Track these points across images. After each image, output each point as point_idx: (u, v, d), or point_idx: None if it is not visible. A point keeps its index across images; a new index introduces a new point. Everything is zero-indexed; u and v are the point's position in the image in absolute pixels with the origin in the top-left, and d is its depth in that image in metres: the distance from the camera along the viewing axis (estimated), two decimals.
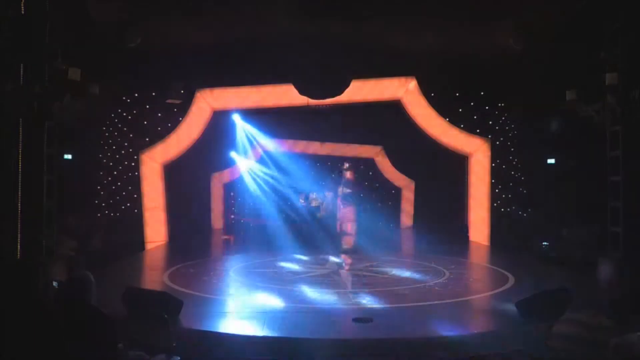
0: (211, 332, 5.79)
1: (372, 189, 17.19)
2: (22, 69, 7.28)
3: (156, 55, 11.61)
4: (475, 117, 14.65)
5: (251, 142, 15.78)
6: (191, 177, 14.77)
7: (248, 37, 11.27)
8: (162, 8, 10.01)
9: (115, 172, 14.37)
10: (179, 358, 4.42)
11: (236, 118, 15.22)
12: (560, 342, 4.50)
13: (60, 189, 7.92)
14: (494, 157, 14.25)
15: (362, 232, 12.14)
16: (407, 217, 17.25)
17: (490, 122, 14.74)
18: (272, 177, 15.87)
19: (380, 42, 11.56)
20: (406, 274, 9.45)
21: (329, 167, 16.60)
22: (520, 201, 14.81)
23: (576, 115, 8.97)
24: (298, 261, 10.78)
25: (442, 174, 15.05)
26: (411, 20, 10.68)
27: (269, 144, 16.13)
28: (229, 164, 16.05)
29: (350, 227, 11.45)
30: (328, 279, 9.01)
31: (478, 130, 14.44)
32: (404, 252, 13.40)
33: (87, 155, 13.25)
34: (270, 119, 15.13)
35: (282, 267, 10.08)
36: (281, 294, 7.80)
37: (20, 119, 7.36)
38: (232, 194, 17.09)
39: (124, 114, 14.33)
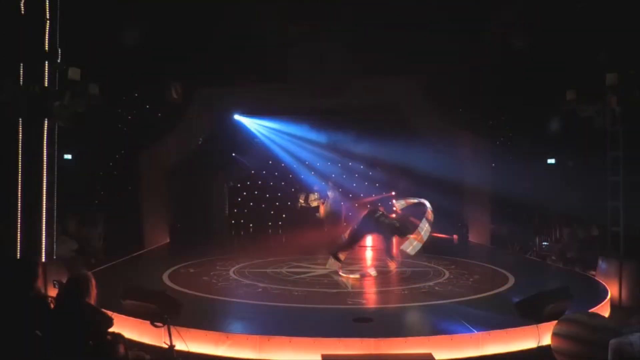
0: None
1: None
2: (22, 69, 7.30)
3: (156, 55, 11.61)
4: (475, 117, 14.62)
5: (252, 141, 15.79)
6: (191, 177, 14.76)
7: (248, 37, 11.28)
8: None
9: (115, 172, 14.34)
10: None
11: (237, 118, 15.24)
12: (561, 342, 4.50)
13: (60, 189, 7.91)
14: (494, 157, 14.24)
15: None
16: None
17: (491, 122, 14.71)
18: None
19: (381, 43, 11.56)
20: (406, 274, 9.45)
21: (329, 166, 16.57)
22: (520, 202, 14.77)
23: (576, 115, 8.97)
24: (299, 261, 10.77)
25: (442, 174, 15.02)
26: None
27: (269, 143, 16.14)
28: (231, 162, 16.05)
29: None
30: (328, 279, 9.00)
31: (478, 130, 14.42)
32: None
33: (87, 155, 13.21)
34: (270, 119, 15.15)
35: (282, 267, 10.07)
36: (281, 294, 7.80)
37: (20, 119, 7.37)
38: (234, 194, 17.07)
39: (124, 114, 14.31)
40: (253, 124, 15.58)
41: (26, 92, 7.25)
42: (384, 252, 9.78)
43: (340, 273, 9.20)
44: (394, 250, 9.39)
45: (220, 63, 12.21)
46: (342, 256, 9.40)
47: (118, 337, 4.01)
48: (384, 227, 9.22)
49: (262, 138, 15.86)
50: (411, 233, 9.02)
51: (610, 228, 8.61)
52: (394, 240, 9.46)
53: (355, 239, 9.67)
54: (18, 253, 7.25)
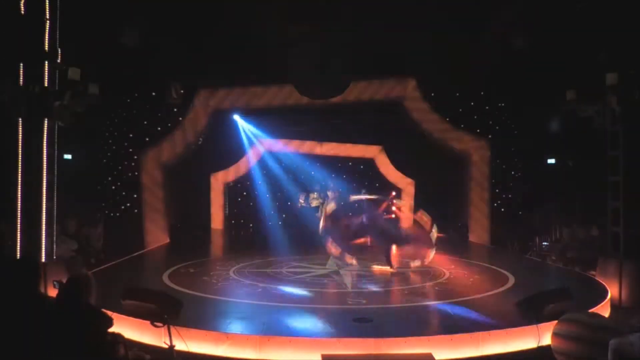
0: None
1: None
2: (22, 69, 7.30)
3: (156, 55, 11.61)
4: (475, 117, 14.63)
5: (252, 141, 15.76)
6: (191, 177, 14.76)
7: (248, 37, 11.28)
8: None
9: (115, 172, 14.35)
10: None
11: (237, 118, 15.22)
12: (561, 342, 4.49)
13: (60, 189, 7.91)
14: (493, 157, 14.24)
15: None
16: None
17: (490, 122, 14.72)
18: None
19: (381, 43, 11.57)
20: (406, 274, 9.45)
21: (329, 166, 16.53)
22: (520, 201, 14.78)
23: (576, 115, 8.97)
24: (298, 261, 10.77)
25: (442, 174, 15.03)
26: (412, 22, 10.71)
27: (269, 143, 16.11)
28: (231, 162, 16.01)
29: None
30: (328, 279, 9.00)
31: (478, 130, 14.43)
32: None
33: (87, 155, 13.23)
34: (270, 119, 15.12)
35: (283, 267, 10.07)
36: (281, 294, 7.80)
37: (20, 119, 7.37)
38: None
39: (124, 114, 14.32)
40: (252, 124, 15.56)
41: (26, 92, 7.25)
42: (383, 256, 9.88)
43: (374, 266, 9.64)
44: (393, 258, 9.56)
45: (220, 63, 12.21)
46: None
47: (118, 337, 4.00)
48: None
49: (262, 137, 15.83)
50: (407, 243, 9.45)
51: (610, 228, 8.61)
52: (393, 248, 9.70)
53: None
54: (18, 253, 7.25)
